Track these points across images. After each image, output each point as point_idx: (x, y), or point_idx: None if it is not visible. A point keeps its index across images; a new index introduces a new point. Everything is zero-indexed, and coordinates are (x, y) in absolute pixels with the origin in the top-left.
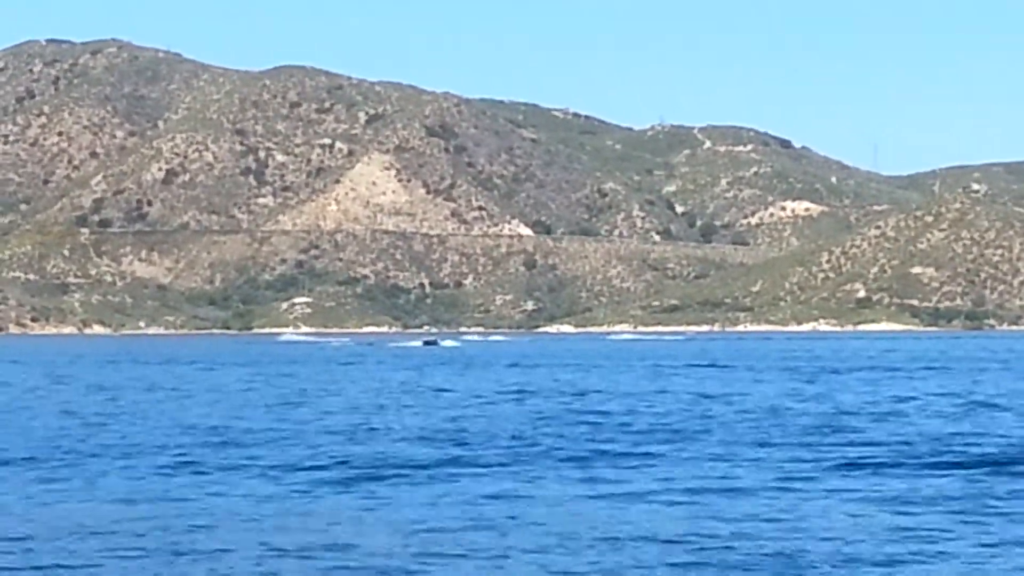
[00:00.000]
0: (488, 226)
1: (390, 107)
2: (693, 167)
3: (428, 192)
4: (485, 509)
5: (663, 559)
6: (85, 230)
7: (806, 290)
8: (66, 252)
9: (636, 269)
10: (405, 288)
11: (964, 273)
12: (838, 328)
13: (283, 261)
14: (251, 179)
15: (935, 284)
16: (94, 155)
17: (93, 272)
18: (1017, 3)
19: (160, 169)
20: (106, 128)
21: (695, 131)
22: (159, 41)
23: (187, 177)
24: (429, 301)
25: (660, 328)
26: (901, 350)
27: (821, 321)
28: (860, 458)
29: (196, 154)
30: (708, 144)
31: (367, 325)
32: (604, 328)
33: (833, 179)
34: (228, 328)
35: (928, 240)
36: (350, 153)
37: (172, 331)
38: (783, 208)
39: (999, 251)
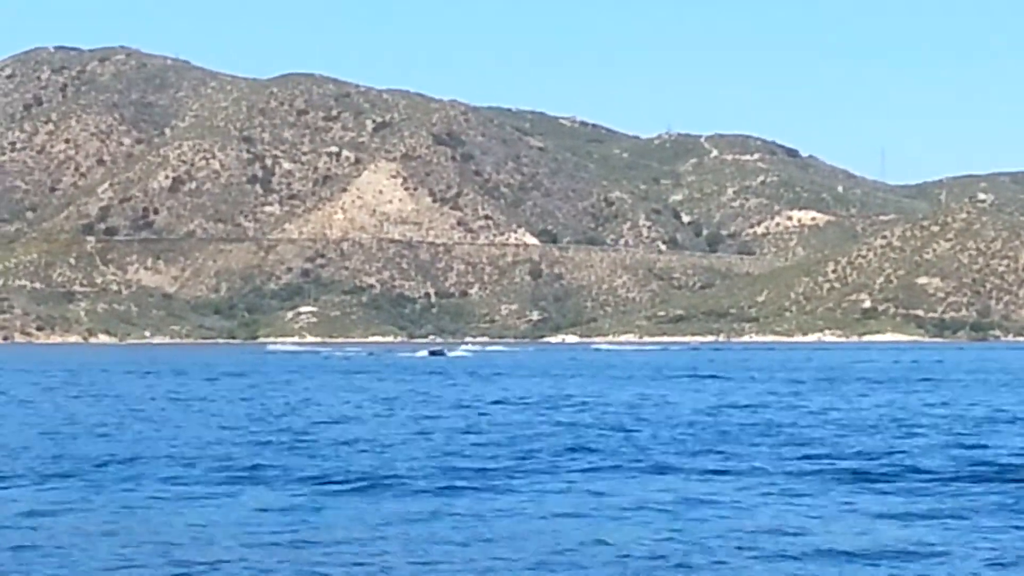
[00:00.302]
0: (494, 235)
1: (397, 115)
2: (700, 176)
3: (434, 200)
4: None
5: None
6: (91, 238)
7: (812, 300)
8: (72, 260)
9: (642, 279)
10: (411, 297)
11: (970, 283)
12: (843, 339)
13: (289, 270)
14: (257, 187)
15: (941, 294)
16: (101, 162)
17: (99, 281)
18: (1022, 12)
19: (167, 177)
20: (113, 135)
21: (702, 140)
22: (167, 48)
23: (194, 185)
24: (435, 311)
25: (665, 338)
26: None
27: (826, 332)
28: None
29: (203, 162)
30: (715, 153)
31: (373, 335)
32: (609, 338)
33: (840, 188)
34: (233, 337)
35: (934, 250)
36: (357, 161)
37: (177, 340)
38: (789, 217)
39: (1005, 261)
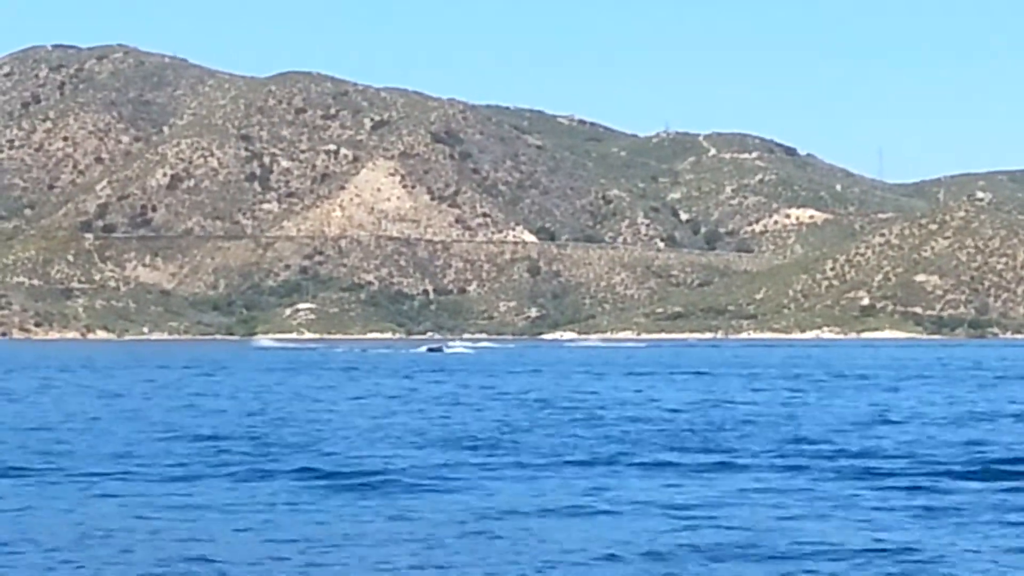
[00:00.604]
0: (492, 232)
1: (395, 113)
2: (698, 174)
3: (433, 198)
4: None
5: None
6: (89, 235)
7: (810, 298)
8: (70, 257)
9: (640, 276)
10: (409, 295)
11: (968, 281)
12: (842, 336)
13: (287, 267)
14: (256, 185)
15: (939, 292)
16: (99, 160)
17: (97, 277)
18: (1022, 12)
19: (165, 175)
20: (111, 133)
21: (700, 138)
22: (165, 46)
23: (192, 183)
24: (433, 308)
25: (663, 335)
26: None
27: (824, 329)
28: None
29: (201, 160)
30: (713, 151)
31: (371, 332)
32: (608, 335)
33: (838, 187)
34: (232, 334)
35: (932, 248)
36: (355, 159)
37: (176, 337)
38: (787, 215)
39: (1003, 259)
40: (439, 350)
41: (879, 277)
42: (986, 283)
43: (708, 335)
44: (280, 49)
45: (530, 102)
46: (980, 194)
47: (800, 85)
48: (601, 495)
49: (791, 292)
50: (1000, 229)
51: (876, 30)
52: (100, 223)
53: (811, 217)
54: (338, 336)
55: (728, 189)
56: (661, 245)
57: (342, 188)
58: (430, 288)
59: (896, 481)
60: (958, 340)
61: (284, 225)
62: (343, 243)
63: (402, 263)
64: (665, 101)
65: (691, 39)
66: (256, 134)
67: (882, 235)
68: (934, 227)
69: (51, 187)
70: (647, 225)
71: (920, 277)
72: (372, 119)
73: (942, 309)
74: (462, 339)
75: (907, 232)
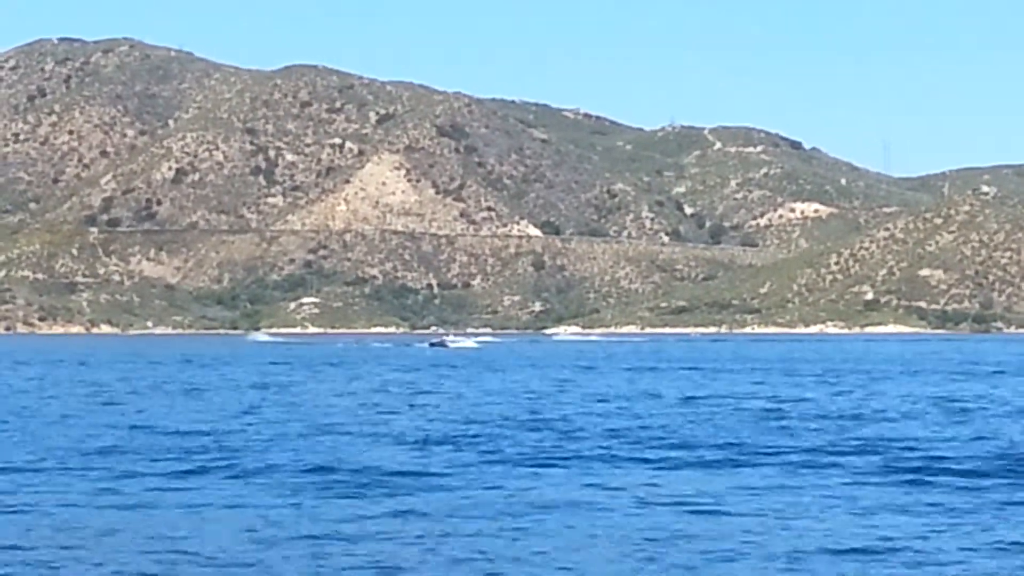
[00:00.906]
0: (497, 226)
1: (401, 107)
2: (703, 168)
3: (437, 192)
4: None
5: None
6: (94, 229)
7: (814, 292)
8: (75, 251)
9: (644, 270)
10: (413, 288)
11: (972, 275)
12: (846, 330)
13: (291, 261)
14: (261, 179)
15: (943, 286)
16: (104, 154)
17: (101, 271)
18: None
19: (170, 168)
20: (116, 127)
21: (705, 132)
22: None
23: (197, 176)
24: (437, 302)
25: (667, 329)
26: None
27: (829, 323)
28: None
29: (206, 153)
30: (718, 145)
31: (375, 326)
32: (612, 329)
33: (843, 181)
34: (236, 328)
35: (937, 242)
36: (360, 153)
37: (180, 331)
38: (792, 209)
39: (1008, 253)
40: (442, 345)
41: (883, 271)
42: (990, 277)
43: (712, 329)
44: (285, 43)
45: (535, 96)
46: (985, 188)
47: (805, 79)
48: None
49: (795, 286)
50: (1005, 223)
51: (881, 24)
52: (105, 217)
53: (816, 211)
54: (342, 330)
55: (733, 183)
56: (666, 239)
57: (347, 182)
58: (434, 282)
59: None
60: (962, 335)
61: (289, 219)
62: (348, 237)
63: (406, 257)
64: (670, 95)
65: (696, 33)
66: (261, 128)
67: (887, 229)
68: (939, 221)
69: (56, 181)
70: (652, 219)
71: (925, 271)
72: (377, 113)
73: (946, 303)
74: (466, 333)
75: (912, 226)
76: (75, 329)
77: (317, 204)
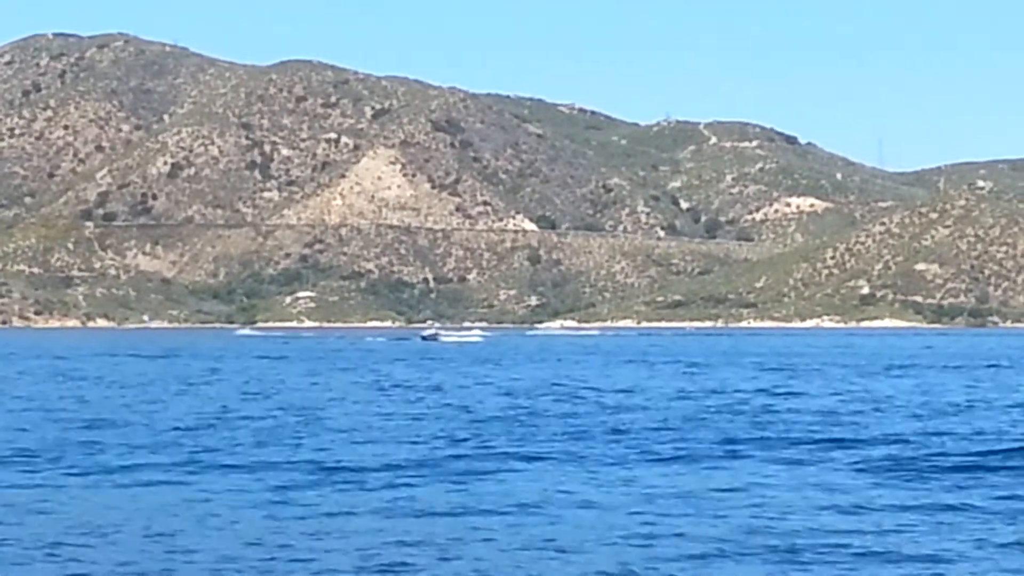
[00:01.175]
0: (493, 221)
1: (396, 102)
2: (698, 163)
3: (433, 187)
4: None
5: None
6: (90, 224)
7: (810, 286)
8: (70, 246)
9: (640, 265)
10: (409, 283)
11: (968, 270)
12: (842, 324)
13: (287, 255)
14: (256, 173)
15: (939, 281)
16: (99, 149)
17: (97, 266)
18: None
19: (165, 163)
20: (112, 122)
21: (701, 127)
22: (165, 35)
23: (192, 171)
24: (433, 296)
25: (663, 324)
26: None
27: (824, 318)
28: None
29: (201, 148)
30: (714, 140)
31: (371, 320)
32: (608, 323)
33: (838, 175)
34: (232, 322)
35: (933, 237)
36: (356, 147)
37: (176, 325)
38: (788, 204)
39: (1003, 248)
40: (434, 339)
41: (879, 266)
42: (986, 272)
43: (708, 323)
44: (281, 37)
45: (530, 90)
46: (980, 183)
47: (800, 73)
48: None
49: (791, 281)
50: (1000, 218)
51: (876, 19)
52: (100, 211)
53: (811, 206)
54: (338, 325)
55: (728, 178)
56: (661, 234)
57: (343, 176)
58: (430, 276)
59: None
60: (958, 329)
61: (285, 213)
62: (343, 231)
63: (402, 251)
64: (666, 89)
65: (691, 28)
66: (257, 122)
67: (882, 224)
68: (934, 216)
69: (51, 175)
70: (647, 214)
71: (920, 266)
72: (373, 107)
73: (942, 298)
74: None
75: (907, 221)
76: (71, 323)
77: (313, 199)
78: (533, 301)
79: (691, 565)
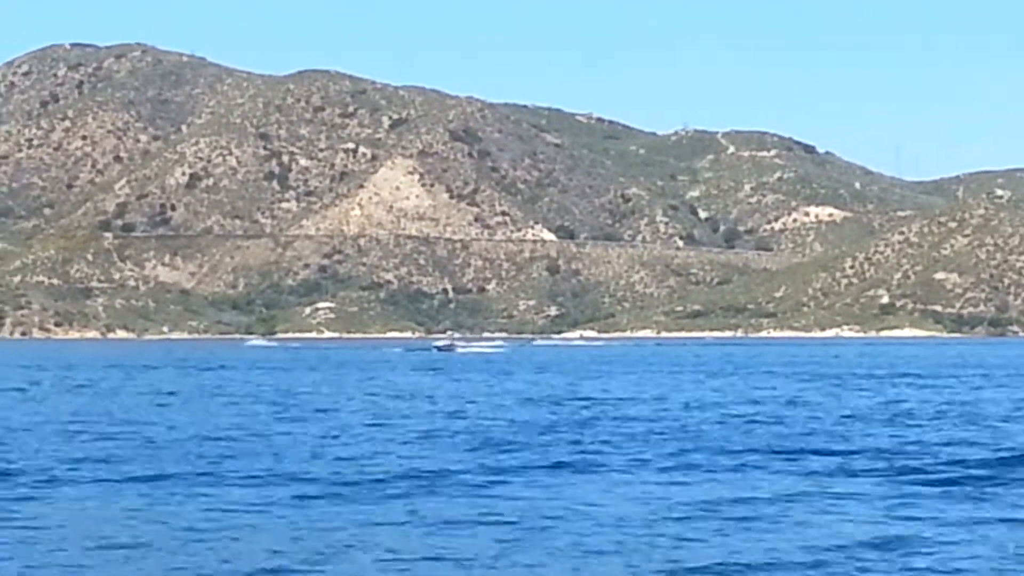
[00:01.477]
0: (511, 231)
1: (414, 112)
2: (717, 172)
3: (451, 197)
4: None
5: None
6: (108, 235)
7: (829, 296)
8: (89, 257)
9: (659, 274)
10: (428, 293)
11: (988, 279)
12: (861, 334)
13: (306, 266)
14: (275, 184)
15: (959, 290)
16: (118, 159)
17: (116, 277)
18: None
19: (184, 174)
20: (130, 132)
21: (719, 136)
22: (183, 45)
23: (211, 182)
24: (452, 306)
25: (683, 334)
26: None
27: (844, 327)
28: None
29: (220, 158)
30: (732, 149)
31: (390, 330)
32: (628, 333)
33: (857, 185)
34: (251, 333)
35: (952, 246)
36: (374, 158)
37: (195, 336)
38: (807, 213)
39: (1023, 257)
40: (449, 350)
41: (898, 275)
42: (1006, 281)
43: (728, 333)
44: (298, 47)
45: (549, 100)
46: (999, 191)
47: (819, 83)
48: None
49: (810, 290)
50: (1020, 226)
51: (895, 28)
52: (119, 222)
53: (830, 215)
54: (357, 335)
55: (747, 187)
56: (680, 243)
57: (361, 187)
58: (449, 287)
59: None
60: (978, 338)
61: (303, 224)
62: (362, 242)
63: (421, 262)
64: (684, 99)
65: (709, 37)
66: (275, 133)
67: (901, 233)
68: (953, 225)
69: (70, 186)
70: (666, 223)
71: (940, 275)
72: (391, 117)
73: (962, 307)
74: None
75: (926, 230)
76: (91, 334)
77: (331, 209)
78: (552, 311)
79: None
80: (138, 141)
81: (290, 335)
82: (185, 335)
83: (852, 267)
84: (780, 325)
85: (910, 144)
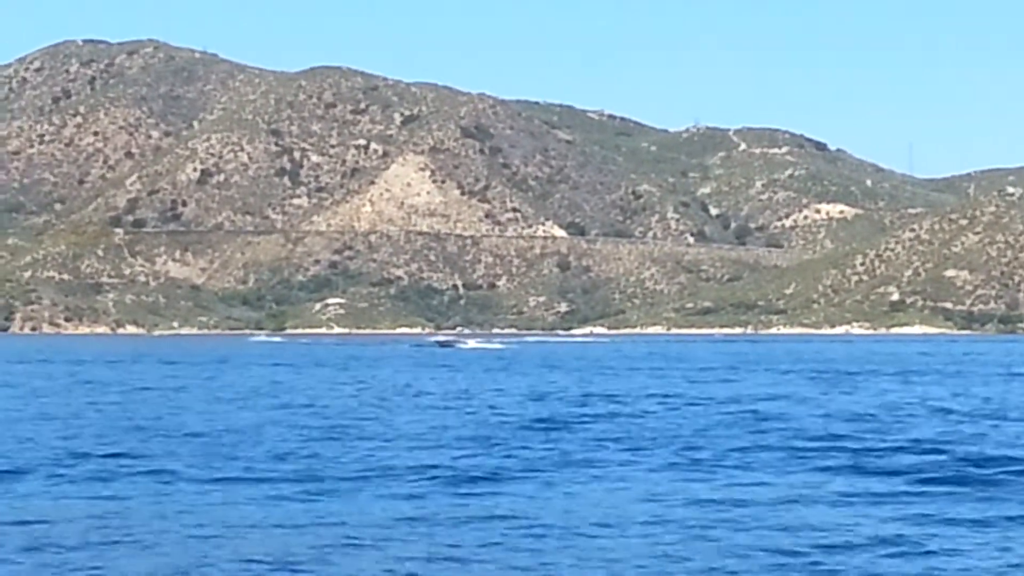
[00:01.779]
0: (522, 227)
1: (425, 108)
2: (728, 169)
3: (463, 193)
4: None
5: None
6: (119, 230)
7: (840, 293)
8: (100, 252)
9: (670, 271)
10: (439, 289)
11: (998, 276)
12: (871, 331)
13: (317, 262)
14: (286, 180)
15: (969, 287)
16: (129, 155)
17: (127, 272)
18: None
19: (195, 169)
20: (141, 128)
21: (730, 133)
22: (195, 41)
23: (222, 177)
24: (462, 302)
25: (693, 330)
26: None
27: (854, 324)
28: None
29: (231, 155)
30: (743, 146)
31: (400, 326)
32: (638, 330)
33: (868, 182)
34: (261, 329)
35: (962, 243)
36: (385, 154)
37: (205, 331)
38: (818, 210)
39: None
40: (450, 346)
41: (909, 272)
42: (1016, 278)
43: (738, 330)
44: (310, 44)
45: (560, 97)
46: (1010, 189)
47: (830, 80)
48: None
49: (821, 287)
50: None
51: (907, 25)
52: (130, 218)
53: (841, 212)
54: (367, 331)
55: (758, 184)
56: (691, 240)
57: (372, 183)
58: (460, 283)
59: None
60: (988, 335)
61: (314, 220)
62: (373, 238)
63: (432, 258)
64: (695, 96)
65: (721, 34)
66: (286, 129)
67: (912, 230)
68: (964, 222)
69: (81, 182)
70: (677, 220)
71: (950, 272)
72: (402, 114)
73: (972, 304)
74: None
75: (937, 227)
76: (101, 329)
77: (342, 205)
78: (563, 308)
79: None
80: (150, 137)
81: (300, 331)
82: (195, 331)
83: (863, 264)
84: (790, 322)
85: (922, 141)
